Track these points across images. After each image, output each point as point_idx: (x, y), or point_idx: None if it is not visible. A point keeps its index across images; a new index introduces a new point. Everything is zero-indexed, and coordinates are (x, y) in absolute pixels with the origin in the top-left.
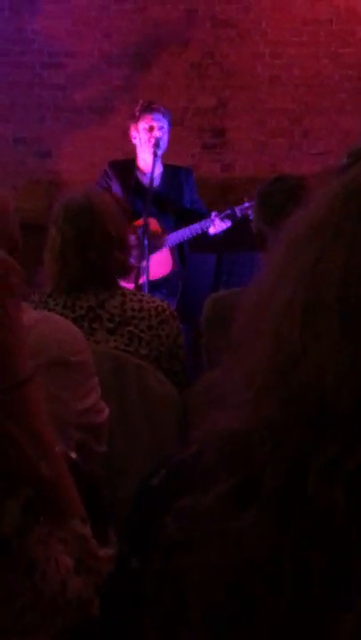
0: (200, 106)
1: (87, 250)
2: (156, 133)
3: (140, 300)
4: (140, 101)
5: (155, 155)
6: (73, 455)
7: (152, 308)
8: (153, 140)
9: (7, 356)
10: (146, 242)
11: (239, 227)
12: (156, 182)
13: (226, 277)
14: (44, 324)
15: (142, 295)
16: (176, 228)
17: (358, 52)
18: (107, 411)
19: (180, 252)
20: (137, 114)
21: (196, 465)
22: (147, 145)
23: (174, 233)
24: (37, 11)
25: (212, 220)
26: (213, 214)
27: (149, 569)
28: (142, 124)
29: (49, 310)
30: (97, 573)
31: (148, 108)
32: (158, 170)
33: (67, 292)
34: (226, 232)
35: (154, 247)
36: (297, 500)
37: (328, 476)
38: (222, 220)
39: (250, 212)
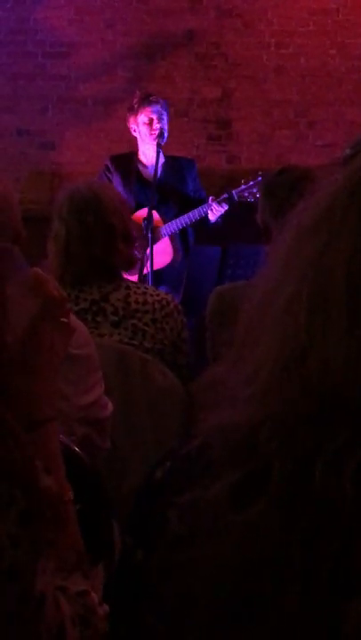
0: (205, 97)
1: (91, 242)
2: (157, 125)
3: (145, 294)
4: (138, 93)
5: (158, 145)
6: (77, 449)
7: (156, 302)
8: (155, 132)
9: (34, 396)
10: (150, 235)
11: (244, 218)
12: (159, 174)
13: (231, 270)
14: None
15: (146, 288)
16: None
17: None
18: (110, 405)
19: (184, 242)
20: (135, 106)
21: (200, 459)
22: (148, 138)
23: (171, 222)
24: (40, 0)
25: (210, 205)
26: (210, 198)
27: (154, 562)
28: (141, 117)
29: None
30: (94, 629)
31: (147, 101)
32: (160, 160)
33: (70, 285)
34: (231, 224)
35: (153, 239)
36: (305, 494)
37: (336, 469)
38: (219, 204)
39: (246, 194)
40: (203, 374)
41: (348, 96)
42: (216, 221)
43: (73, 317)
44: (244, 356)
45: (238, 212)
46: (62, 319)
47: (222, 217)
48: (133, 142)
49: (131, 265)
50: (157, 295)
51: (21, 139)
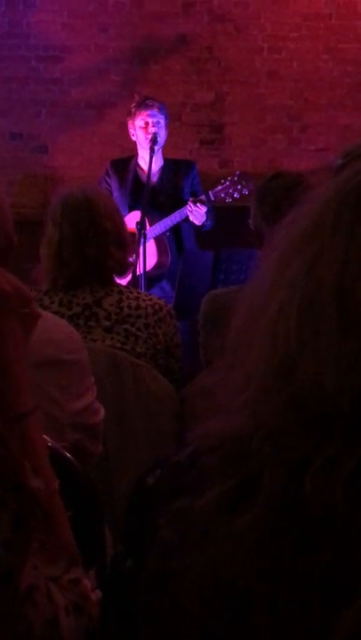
0: (198, 101)
1: (85, 247)
2: (152, 129)
3: (137, 298)
4: (136, 97)
5: (152, 150)
6: (68, 455)
7: (149, 306)
8: (150, 136)
9: (10, 390)
10: (143, 239)
11: (237, 223)
12: (155, 177)
13: (224, 275)
14: (39, 322)
15: (139, 293)
16: None
17: (358, 47)
18: (102, 411)
19: (178, 247)
20: (133, 110)
21: (192, 466)
22: (144, 142)
23: (155, 225)
24: (32, 4)
25: (187, 206)
26: (190, 200)
27: (144, 569)
28: (138, 121)
29: (44, 308)
30: (88, 616)
31: (143, 105)
32: (159, 164)
33: (63, 289)
34: (223, 229)
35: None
36: (296, 503)
37: (327, 478)
38: (194, 203)
39: (222, 194)
40: (195, 382)
41: (341, 100)
42: (205, 224)
43: (64, 322)
44: (235, 366)
45: (231, 217)
46: (22, 310)
47: (212, 220)
48: (128, 146)
49: (124, 269)
50: (150, 300)
51: (14, 142)
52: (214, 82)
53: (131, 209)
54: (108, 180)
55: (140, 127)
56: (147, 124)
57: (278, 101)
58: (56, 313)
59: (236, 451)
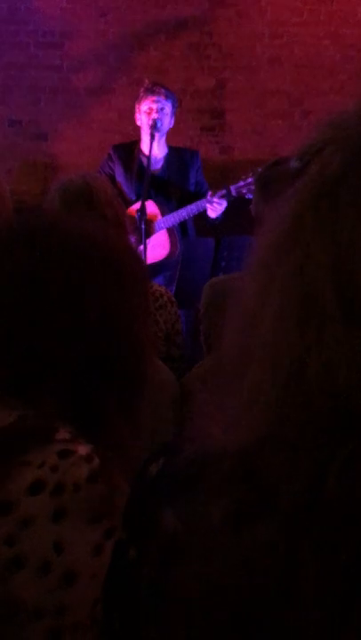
0: (198, 87)
1: None
2: (155, 115)
3: None
4: (146, 81)
5: (152, 136)
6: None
7: (150, 294)
8: (151, 122)
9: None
10: (143, 226)
11: (238, 210)
12: (160, 165)
13: (225, 262)
14: None
15: None
16: None
17: (359, 32)
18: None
19: (183, 236)
20: (140, 94)
21: (196, 465)
22: (147, 127)
23: (169, 215)
24: None
25: (209, 200)
26: (209, 194)
27: (147, 563)
28: (143, 106)
29: None
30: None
31: (150, 90)
32: (163, 152)
33: None
34: (225, 215)
35: (147, 232)
36: (317, 507)
37: (349, 476)
38: (218, 199)
39: (244, 190)
40: (195, 369)
41: (343, 86)
42: (218, 217)
43: None
44: (235, 385)
45: (233, 204)
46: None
47: (223, 213)
48: (129, 132)
49: None
50: (151, 287)
51: (14, 129)
52: (215, 68)
53: (139, 196)
54: (111, 164)
55: (145, 112)
56: (151, 109)
57: (279, 87)
58: None
59: (245, 463)
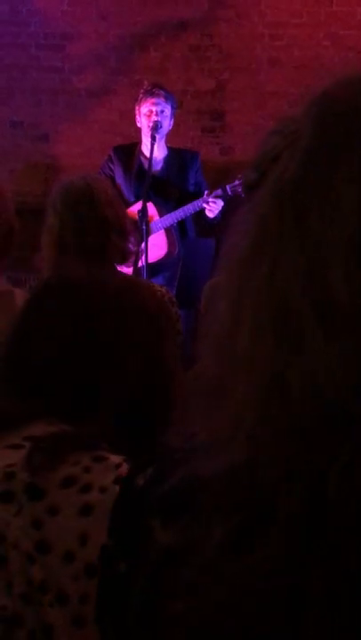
0: (199, 88)
1: (86, 235)
2: (155, 117)
3: None
4: (145, 82)
5: (152, 138)
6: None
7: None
8: (151, 124)
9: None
10: (144, 227)
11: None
12: (160, 166)
13: None
14: None
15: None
16: None
17: (359, 33)
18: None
19: (182, 235)
20: (140, 96)
21: (187, 484)
22: (147, 130)
23: (166, 215)
24: None
25: (205, 199)
26: (205, 193)
27: (138, 579)
28: (143, 109)
29: None
30: None
31: (150, 92)
32: (162, 153)
33: None
34: (224, 215)
35: (147, 232)
36: (319, 520)
37: (349, 483)
38: (214, 199)
39: (240, 189)
40: (195, 369)
41: None
42: (216, 217)
43: None
44: (216, 406)
45: (232, 204)
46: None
47: (220, 213)
48: (130, 133)
49: (124, 258)
50: (152, 287)
51: (15, 131)
52: (215, 69)
53: (138, 197)
54: (111, 165)
55: (145, 115)
56: (151, 112)
57: (279, 88)
58: None
59: (239, 483)
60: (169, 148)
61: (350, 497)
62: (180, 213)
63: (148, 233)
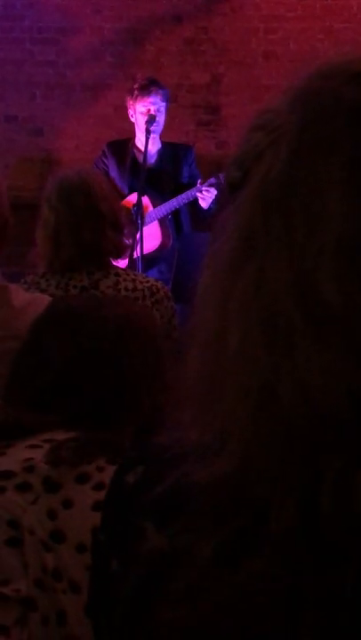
0: (194, 82)
1: (81, 230)
2: (152, 113)
3: (134, 280)
4: (139, 78)
5: (147, 132)
6: None
7: (146, 288)
8: (147, 117)
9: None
10: (140, 220)
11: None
12: (153, 159)
13: None
14: (36, 305)
15: (135, 275)
16: None
17: (354, 26)
18: None
19: (177, 228)
20: (135, 92)
21: (178, 493)
22: (143, 125)
23: (160, 206)
24: None
25: (198, 188)
26: (198, 182)
27: (130, 579)
28: (139, 107)
29: (41, 291)
30: None
31: (147, 91)
32: (156, 147)
33: (60, 272)
34: (218, 207)
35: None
36: (312, 532)
37: (343, 490)
38: (207, 187)
39: None
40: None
41: None
42: (210, 208)
43: None
44: (204, 414)
45: (228, 199)
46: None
47: (215, 203)
48: (125, 128)
49: (120, 252)
50: (147, 282)
51: (10, 125)
52: (210, 63)
53: (132, 190)
54: (105, 160)
55: (141, 113)
56: (148, 110)
57: (275, 82)
58: (53, 296)
59: (228, 493)
60: (163, 142)
61: (343, 506)
62: (173, 203)
63: (143, 225)
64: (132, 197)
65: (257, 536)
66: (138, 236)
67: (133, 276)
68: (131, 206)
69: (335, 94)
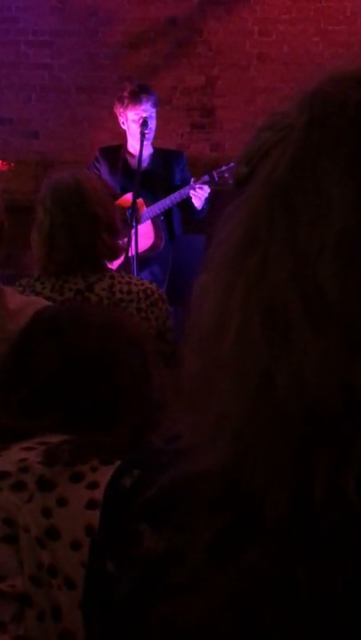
0: (188, 85)
1: (76, 232)
2: (145, 119)
3: (129, 283)
4: (129, 86)
5: (142, 134)
6: None
7: (141, 291)
8: (140, 121)
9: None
10: (135, 222)
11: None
12: (146, 163)
13: None
14: (31, 308)
15: (130, 278)
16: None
17: (348, 29)
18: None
19: (169, 229)
20: (125, 101)
21: (174, 487)
22: (136, 133)
23: (153, 205)
24: None
25: (192, 186)
26: (192, 180)
27: (126, 581)
28: (131, 115)
29: (36, 294)
30: None
31: (137, 99)
32: (148, 152)
33: (55, 275)
34: (216, 211)
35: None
36: (307, 524)
37: (336, 481)
38: (201, 184)
39: (226, 175)
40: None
41: None
42: (203, 209)
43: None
44: (200, 406)
45: (222, 200)
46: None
47: (208, 204)
48: (121, 130)
49: (115, 255)
50: (142, 284)
51: (4, 128)
52: (205, 65)
53: (124, 191)
54: (97, 165)
55: (134, 121)
56: (141, 118)
57: (269, 84)
58: (48, 299)
59: (225, 486)
60: (155, 148)
61: (336, 499)
62: (166, 202)
63: (138, 223)
64: (128, 196)
65: (251, 529)
66: (132, 237)
67: (128, 279)
68: (125, 207)
69: (342, 97)
